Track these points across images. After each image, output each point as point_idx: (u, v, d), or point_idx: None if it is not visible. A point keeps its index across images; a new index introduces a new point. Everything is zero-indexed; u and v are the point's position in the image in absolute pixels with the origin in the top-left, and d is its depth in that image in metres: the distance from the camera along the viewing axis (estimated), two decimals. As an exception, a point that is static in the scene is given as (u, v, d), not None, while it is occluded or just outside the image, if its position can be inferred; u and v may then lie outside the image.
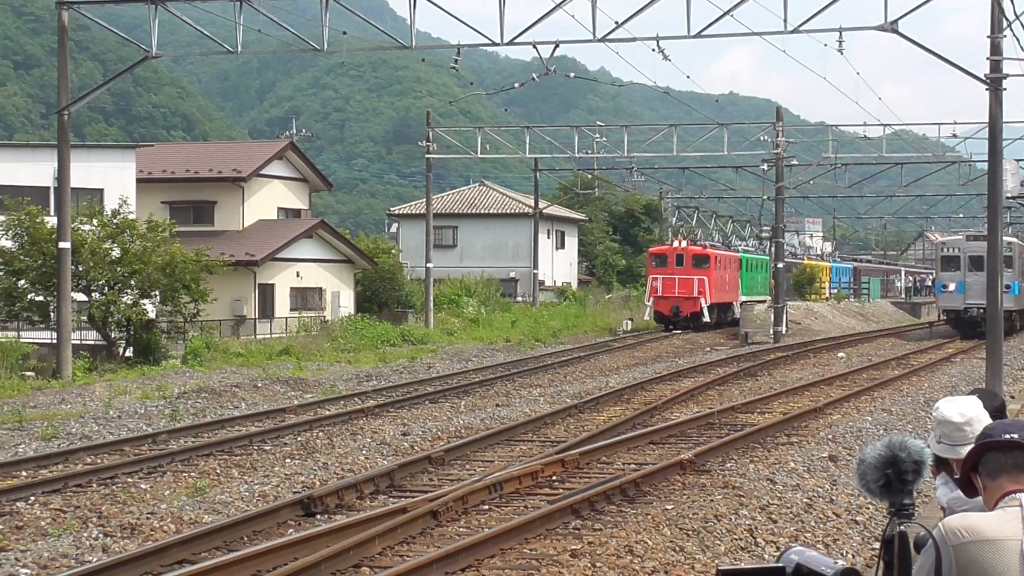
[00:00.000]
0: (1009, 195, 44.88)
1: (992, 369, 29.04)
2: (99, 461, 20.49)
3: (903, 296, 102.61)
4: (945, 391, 30.74)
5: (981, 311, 42.53)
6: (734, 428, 23.86)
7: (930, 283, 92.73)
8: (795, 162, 63.01)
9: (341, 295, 62.20)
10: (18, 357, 36.09)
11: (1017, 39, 35.16)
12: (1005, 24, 29.02)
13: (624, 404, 28.19)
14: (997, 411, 5.88)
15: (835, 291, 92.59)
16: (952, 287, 52.29)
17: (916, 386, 32.38)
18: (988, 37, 28.83)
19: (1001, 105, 29.01)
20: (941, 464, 5.64)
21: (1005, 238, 41.11)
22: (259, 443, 22.43)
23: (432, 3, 33.91)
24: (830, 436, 22.33)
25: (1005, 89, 29.06)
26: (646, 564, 12.98)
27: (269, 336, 52.95)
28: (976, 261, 48.49)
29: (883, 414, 25.89)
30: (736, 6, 31.67)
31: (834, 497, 16.70)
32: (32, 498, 17.24)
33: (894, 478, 4.48)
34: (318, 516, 15.70)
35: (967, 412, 5.58)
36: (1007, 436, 4.48)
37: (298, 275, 60.24)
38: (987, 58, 28.81)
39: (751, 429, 22.88)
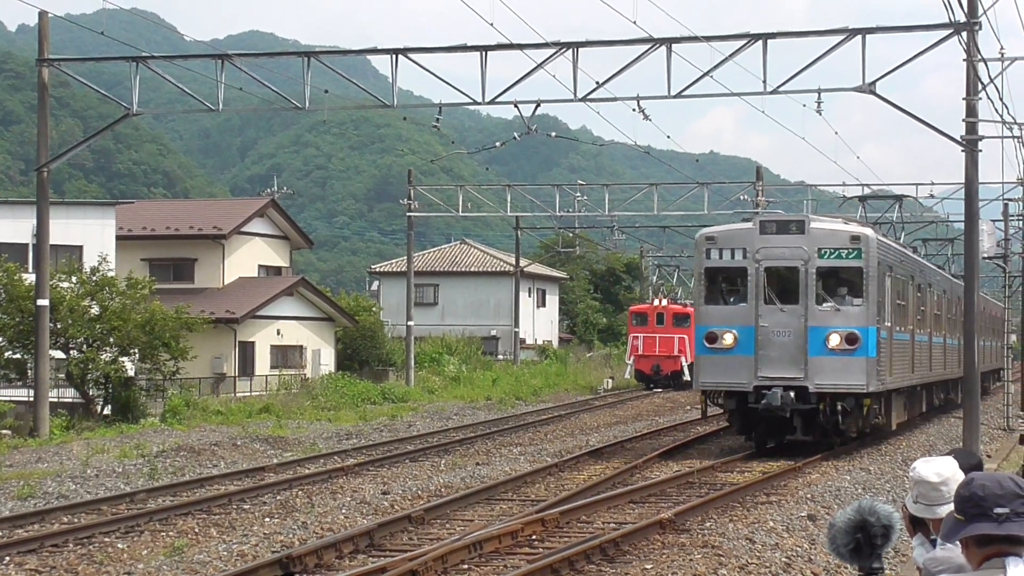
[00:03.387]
0: (986, 255, 45.13)
1: (969, 428, 29.12)
2: (76, 520, 20.38)
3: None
4: (923, 451, 30.79)
5: (792, 394, 27.65)
6: (713, 487, 23.86)
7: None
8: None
9: (322, 353, 62.08)
10: (-4, 415, 35.90)
11: (992, 101, 35.50)
12: (980, 87, 29.32)
13: (604, 463, 28.18)
14: (974, 470, 5.90)
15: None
16: (730, 339, 28.25)
17: (894, 445, 32.41)
18: (964, 99, 29.12)
19: (977, 166, 29.27)
20: (918, 524, 5.67)
21: (847, 228, 29.08)
22: (238, 502, 22.33)
23: (414, 62, 34.12)
24: (809, 495, 22.34)
25: (981, 151, 29.34)
26: (625, 625, 12.93)
27: (249, 394, 52.78)
28: (781, 280, 28.47)
29: (861, 473, 25.92)
30: (716, 67, 31.94)
31: (812, 556, 16.69)
32: (7, 559, 17.13)
33: (864, 542, 4.53)
34: (296, 576, 15.63)
35: (943, 472, 5.61)
36: (997, 511, 4.46)
37: (279, 333, 60.15)
38: (963, 120, 29.10)
39: (730, 488, 22.89)
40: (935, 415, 41.83)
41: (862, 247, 28.18)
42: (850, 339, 27.88)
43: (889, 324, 29.87)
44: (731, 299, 29.25)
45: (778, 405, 27.90)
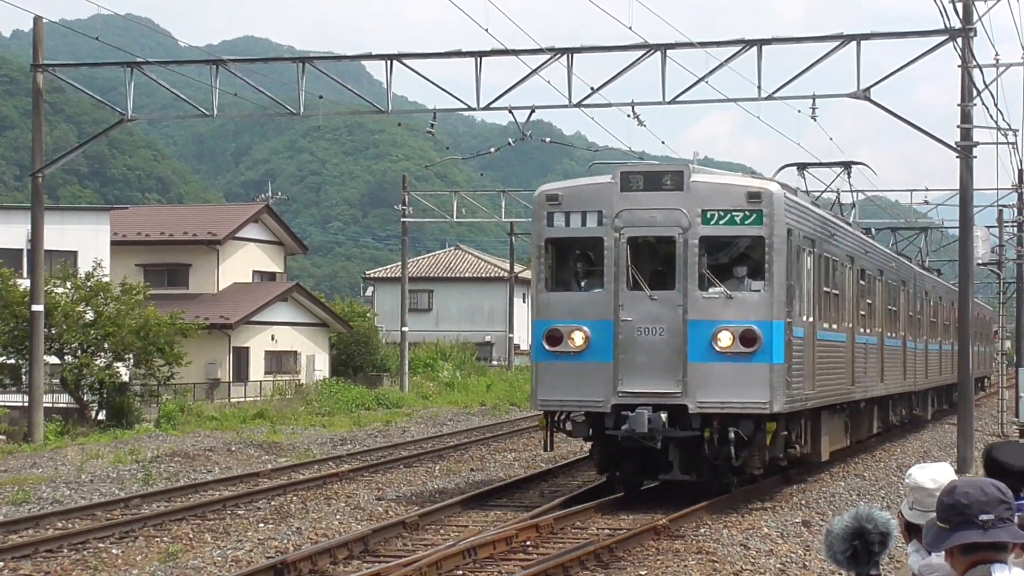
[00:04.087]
0: (980, 262, 45.20)
1: (963, 434, 29.12)
2: (70, 526, 20.35)
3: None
4: (918, 457, 30.81)
5: (665, 416, 20.53)
6: (708, 493, 23.82)
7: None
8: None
9: (316, 358, 62.08)
10: (-10, 420, 35.89)
11: (986, 107, 35.53)
12: (975, 93, 29.36)
13: (598, 469, 28.11)
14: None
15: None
16: (579, 339, 21.50)
17: (889, 452, 32.45)
18: (958, 105, 29.15)
19: (972, 172, 29.31)
20: (913, 530, 5.66)
21: (743, 182, 22.25)
22: (232, 507, 22.31)
23: (409, 68, 34.11)
24: (803, 501, 22.36)
25: (975, 157, 29.37)
26: (620, 631, 12.91)
27: (243, 400, 52.75)
28: (651, 255, 21.91)
29: (856, 479, 25.93)
30: (711, 73, 31.95)
31: (807, 563, 16.70)
32: (1, 564, 17.10)
33: (861, 549, 4.52)
34: (291, 582, 15.60)
35: (940, 478, 5.61)
36: (982, 518, 4.46)
37: (273, 338, 60.13)
38: (957, 126, 29.13)
39: (725, 494, 22.86)
40: (905, 433, 39.04)
41: (763, 208, 20.77)
42: (746, 338, 20.59)
43: (809, 319, 23.10)
44: (582, 283, 22.00)
45: (644, 432, 20.31)
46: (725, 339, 20.73)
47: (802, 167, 32.46)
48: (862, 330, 28.62)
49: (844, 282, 26.77)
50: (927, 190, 63.26)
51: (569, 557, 16.06)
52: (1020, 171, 50.13)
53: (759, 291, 20.96)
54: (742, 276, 21.22)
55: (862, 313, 28.84)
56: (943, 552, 4.58)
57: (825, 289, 24.67)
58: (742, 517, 20.67)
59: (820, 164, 33.61)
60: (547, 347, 21.50)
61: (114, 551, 18.24)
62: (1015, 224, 55.38)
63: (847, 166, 34.00)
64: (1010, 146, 38.20)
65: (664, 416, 20.44)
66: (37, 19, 36.78)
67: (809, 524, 19.70)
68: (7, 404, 39.77)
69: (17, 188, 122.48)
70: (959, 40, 28.59)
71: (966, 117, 29.07)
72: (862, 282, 28.91)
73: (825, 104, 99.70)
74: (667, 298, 21.00)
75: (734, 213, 21.00)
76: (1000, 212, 54.75)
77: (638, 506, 21.29)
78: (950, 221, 59.68)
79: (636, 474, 22.02)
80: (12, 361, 40.59)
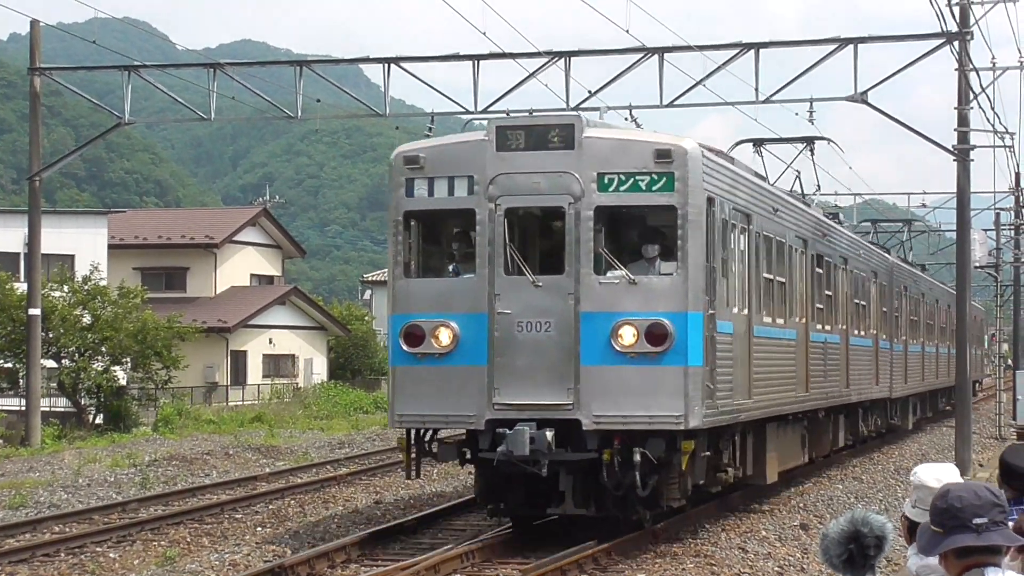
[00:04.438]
0: (977, 264, 45.20)
1: (961, 437, 29.13)
2: (67, 530, 20.33)
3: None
4: (916, 459, 30.82)
5: (551, 434, 16.35)
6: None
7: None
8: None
9: (314, 362, 62.07)
10: (-13, 424, 35.88)
11: (983, 111, 35.59)
12: (972, 96, 29.39)
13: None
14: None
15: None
16: (446, 337, 17.40)
17: (887, 454, 32.46)
18: (955, 109, 29.19)
19: (969, 175, 29.35)
20: (916, 530, 5.67)
21: (651, 139, 17.50)
22: (230, 511, 22.28)
23: (406, 71, 34.10)
24: (801, 504, 22.36)
25: (972, 160, 29.40)
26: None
27: (241, 403, 52.77)
28: (535, 230, 18.58)
29: (854, 482, 25.94)
30: (708, 76, 31.98)
31: (805, 566, 16.70)
32: (-1, 567, 17.10)
33: (856, 553, 4.52)
34: (288, 586, 15.60)
35: (944, 478, 5.62)
36: (976, 521, 4.46)
37: (271, 342, 60.13)
38: (955, 129, 29.17)
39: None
40: (902, 437, 37.78)
41: (675, 171, 16.66)
42: (654, 334, 16.47)
43: (742, 311, 19.00)
44: (450, 267, 17.96)
45: (525, 455, 16.10)
46: (628, 335, 16.58)
47: (758, 143, 29.48)
48: (820, 327, 24.68)
49: (794, 269, 22.47)
50: (924, 193, 63.40)
51: (567, 561, 16.04)
52: (1017, 174, 50.19)
53: (671, 275, 16.80)
54: (651, 257, 17.23)
55: (820, 307, 24.80)
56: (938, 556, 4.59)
57: (767, 276, 20.41)
58: (740, 520, 20.67)
59: (779, 140, 30.95)
60: (406, 348, 17.34)
61: (111, 555, 18.23)
62: (1012, 227, 55.43)
63: (809, 141, 30.68)
64: (1007, 149, 38.32)
65: (550, 434, 16.19)
66: (34, 22, 36.80)
67: (807, 527, 19.71)
68: (4, 408, 39.76)
69: (14, 191, 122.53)
70: (956, 44, 28.64)
71: (963, 120, 29.10)
72: (819, 270, 24.73)
73: (823, 107, 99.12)
74: (555, 285, 16.89)
75: (639, 177, 16.83)
76: (997, 215, 54.81)
77: (526, 548, 17.28)
78: (947, 224, 59.78)
79: (523, 506, 17.68)
80: (9, 365, 40.60)
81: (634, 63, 32.57)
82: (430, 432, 17.92)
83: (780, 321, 21.39)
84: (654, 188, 16.86)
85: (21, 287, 39.38)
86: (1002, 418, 42.49)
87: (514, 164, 17.06)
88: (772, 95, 32.02)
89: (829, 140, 31.67)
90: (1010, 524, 5.04)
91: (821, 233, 25.29)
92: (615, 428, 16.59)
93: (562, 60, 32.90)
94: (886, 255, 36.20)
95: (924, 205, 60.77)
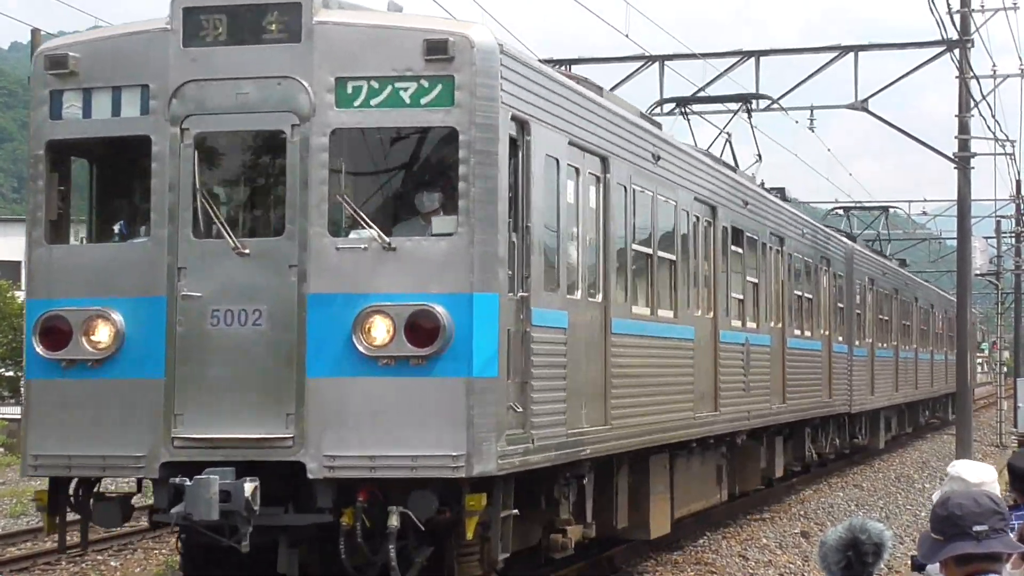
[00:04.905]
0: (978, 272, 45.19)
1: (962, 445, 29.14)
2: (68, 538, 20.31)
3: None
4: (916, 468, 30.88)
5: (252, 487, 10.22)
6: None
7: None
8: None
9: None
10: (-12, 432, 35.88)
11: (984, 119, 35.66)
12: (973, 104, 29.43)
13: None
14: None
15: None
16: (105, 335, 11.26)
17: (887, 462, 32.47)
18: (956, 116, 29.22)
19: (969, 183, 29.36)
20: None
21: (416, 24, 11.26)
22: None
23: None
24: (802, 512, 22.38)
25: (973, 168, 29.43)
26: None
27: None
28: (245, 170, 12.04)
29: (855, 490, 25.95)
30: (709, 84, 31.99)
31: (805, 573, 16.73)
32: (0, 576, 17.10)
33: (855, 560, 4.53)
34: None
35: (984, 477, 5.66)
36: (976, 529, 4.48)
37: None
38: (955, 137, 29.19)
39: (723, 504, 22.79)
40: (903, 444, 36.16)
41: (455, 75, 11.00)
42: (421, 328, 10.82)
43: (591, 296, 13.36)
44: (113, 227, 11.99)
45: (212, 519, 10.31)
46: (380, 331, 10.74)
47: (682, 102, 26.01)
48: (738, 323, 19.08)
49: (689, 243, 16.85)
50: (925, 200, 63.44)
51: (569, 568, 16.03)
52: (1018, 182, 50.24)
53: (450, 235, 11.00)
54: (428, 210, 11.39)
55: (737, 297, 19.11)
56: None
57: (639, 248, 15.03)
58: (740, 528, 20.68)
59: (706, 99, 27.86)
60: (43, 351, 11.39)
61: (112, 563, 18.23)
62: (1013, 235, 55.48)
63: (745, 100, 26.70)
64: (1008, 157, 38.33)
65: (251, 487, 10.29)
66: (35, 31, 36.76)
67: (807, 535, 19.72)
68: (6, 416, 39.78)
69: (16, 200, 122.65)
70: (956, 51, 28.66)
71: (964, 128, 29.12)
72: (736, 249, 19.07)
73: (823, 115, 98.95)
74: (269, 252, 11.05)
75: (400, 84, 11.04)
76: (998, 223, 54.86)
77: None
78: (948, 232, 59.82)
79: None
80: (11, 373, 40.59)
81: (635, 70, 32.60)
82: (80, 482, 11.68)
83: (666, 314, 15.81)
84: (424, 101, 10.98)
85: (22, 296, 39.42)
86: (1003, 426, 42.51)
87: (210, 66, 11.17)
88: (772, 103, 32.06)
89: (768, 97, 28.09)
90: (1013, 531, 5.06)
91: (741, 201, 19.44)
92: (358, 476, 10.71)
93: (563, 68, 32.92)
94: (845, 240, 30.37)
95: (925, 213, 60.84)
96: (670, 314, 15.89)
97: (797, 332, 23.05)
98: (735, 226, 18.90)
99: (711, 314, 17.70)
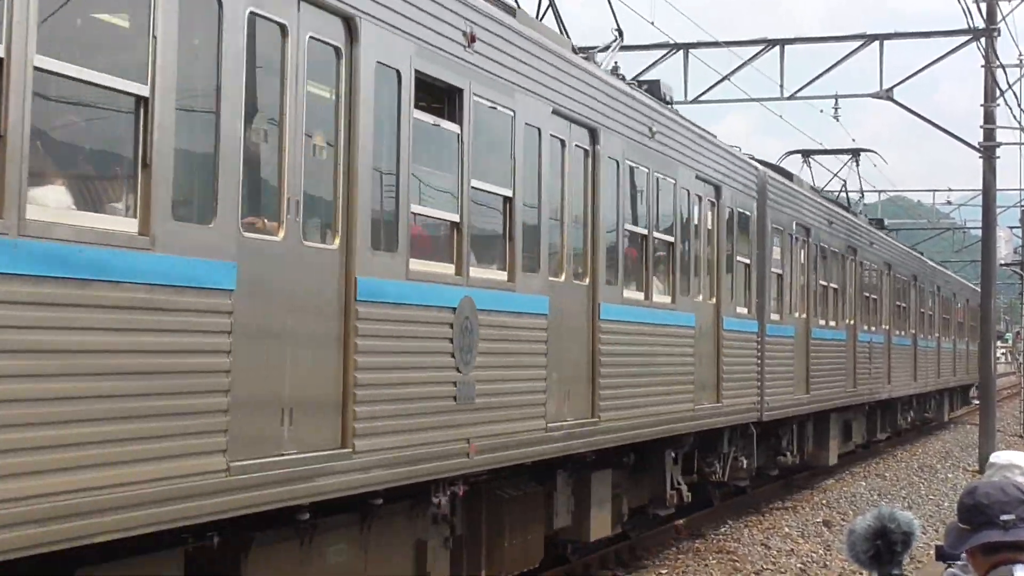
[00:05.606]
0: (1003, 262, 45.06)
1: (985, 434, 29.08)
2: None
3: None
4: (939, 456, 30.82)
5: None
6: (729, 492, 23.81)
7: None
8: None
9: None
10: None
11: (1009, 108, 35.52)
12: (998, 93, 29.33)
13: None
14: None
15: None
16: None
17: (909, 452, 32.41)
18: (982, 106, 29.12)
19: (995, 173, 29.26)
20: None
21: None
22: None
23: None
24: (824, 501, 22.36)
25: (999, 157, 29.32)
26: (640, 629, 12.88)
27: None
28: None
29: (877, 479, 25.92)
30: (733, 72, 31.93)
31: (828, 562, 16.71)
32: None
33: (883, 549, 4.54)
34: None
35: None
36: (1003, 518, 4.48)
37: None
38: (980, 126, 29.09)
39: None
40: (926, 433, 35.48)
41: None
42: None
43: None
44: None
45: None
46: None
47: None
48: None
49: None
50: (950, 190, 63.22)
51: (590, 556, 16.06)
52: (1043, 171, 49.93)
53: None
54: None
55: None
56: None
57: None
58: (763, 516, 20.68)
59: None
60: None
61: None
62: (1037, 224, 55.21)
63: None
64: (1033, 146, 38.11)
65: None
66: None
67: (830, 524, 19.71)
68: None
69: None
70: (982, 40, 28.55)
71: (989, 117, 29.02)
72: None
73: (848, 104, 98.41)
74: None
75: None
76: (1023, 212, 54.59)
77: None
78: (973, 221, 59.60)
79: None
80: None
81: (659, 58, 32.54)
82: None
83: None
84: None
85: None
86: (1026, 416, 42.33)
87: None
88: (797, 91, 31.96)
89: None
90: None
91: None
92: None
93: (586, 55, 32.89)
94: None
95: (949, 202, 60.59)
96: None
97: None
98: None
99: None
